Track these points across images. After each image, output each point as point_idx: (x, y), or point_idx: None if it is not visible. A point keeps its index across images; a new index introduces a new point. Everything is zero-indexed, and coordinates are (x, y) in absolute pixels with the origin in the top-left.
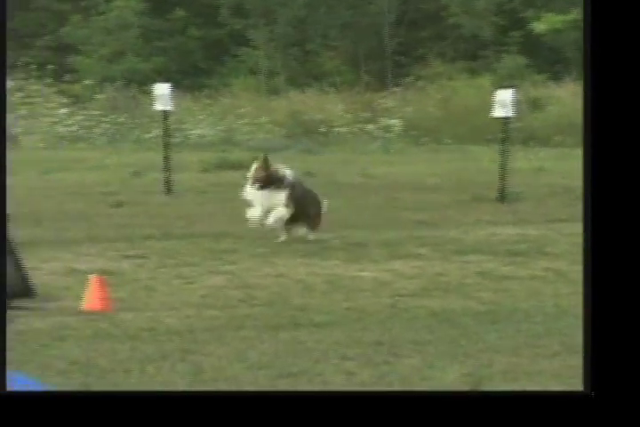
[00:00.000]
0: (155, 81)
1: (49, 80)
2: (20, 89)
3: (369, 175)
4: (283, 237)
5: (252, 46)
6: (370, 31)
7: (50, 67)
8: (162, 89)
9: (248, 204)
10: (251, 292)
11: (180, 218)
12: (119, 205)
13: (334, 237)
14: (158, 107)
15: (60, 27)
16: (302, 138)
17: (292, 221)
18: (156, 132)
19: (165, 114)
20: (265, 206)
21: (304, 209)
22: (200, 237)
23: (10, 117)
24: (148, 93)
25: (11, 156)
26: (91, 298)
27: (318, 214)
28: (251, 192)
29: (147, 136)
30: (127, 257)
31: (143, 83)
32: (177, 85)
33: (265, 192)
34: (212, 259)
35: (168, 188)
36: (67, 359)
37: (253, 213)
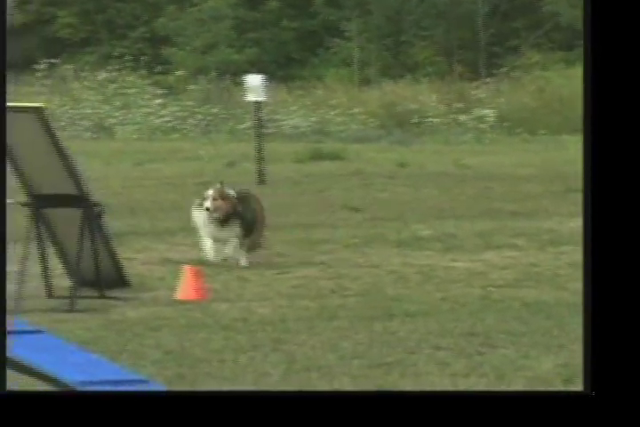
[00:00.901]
0: (248, 72)
1: (143, 71)
2: (114, 80)
3: (462, 166)
4: (243, 262)
5: (345, 37)
6: (463, 21)
7: (144, 58)
8: (255, 80)
9: (195, 227)
10: (343, 282)
11: (273, 208)
12: None
13: (427, 227)
14: (251, 98)
15: (155, 18)
16: (395, 129)
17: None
18: (250, 123)
19: (258, 105)
20: (217, 238)
21: (250, 231)
22: (293, 227)
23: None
24: (241, 84)
25: (106, 146)
26: (185, 288)
27: (260, 234)
28: (200, 221)
29: (240, 127)
30: None
31: (236, 74)
32: (270, 76)
33: (218, 224)
34: (305, 249)
35: (261, 178)
36: (161, 349)
37: (208, 250)
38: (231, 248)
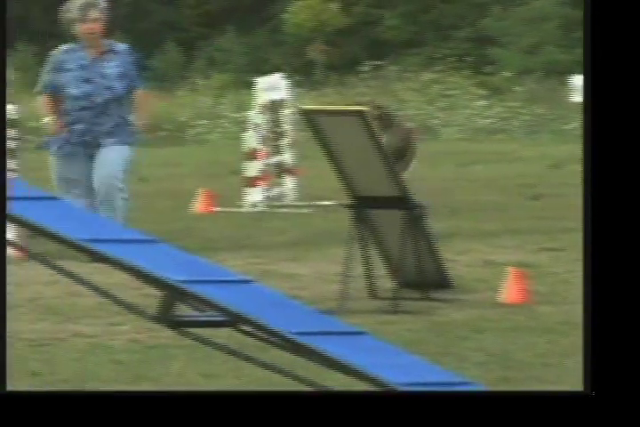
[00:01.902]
0: (574, 72)
1: (467, 72)
2: (438, 81)
3: None
4: None
5: None
6: None
7: (468, 59)
8: (581, 80)
9: None
10: None
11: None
12: (537, 197)
13: None
14: (577, 98)
15: (480, 18)
16: None
17: None
18: (576, 123)
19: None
20: None
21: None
22: None
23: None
24: (568, 85)
25: (429, 147)
26: (509, 290)
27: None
28: None
29: (566, 128)
30: (545, 250)
31: (562, 74)
32: None
33: None
34: None
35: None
36: (484, 351)
37: None
38: None
